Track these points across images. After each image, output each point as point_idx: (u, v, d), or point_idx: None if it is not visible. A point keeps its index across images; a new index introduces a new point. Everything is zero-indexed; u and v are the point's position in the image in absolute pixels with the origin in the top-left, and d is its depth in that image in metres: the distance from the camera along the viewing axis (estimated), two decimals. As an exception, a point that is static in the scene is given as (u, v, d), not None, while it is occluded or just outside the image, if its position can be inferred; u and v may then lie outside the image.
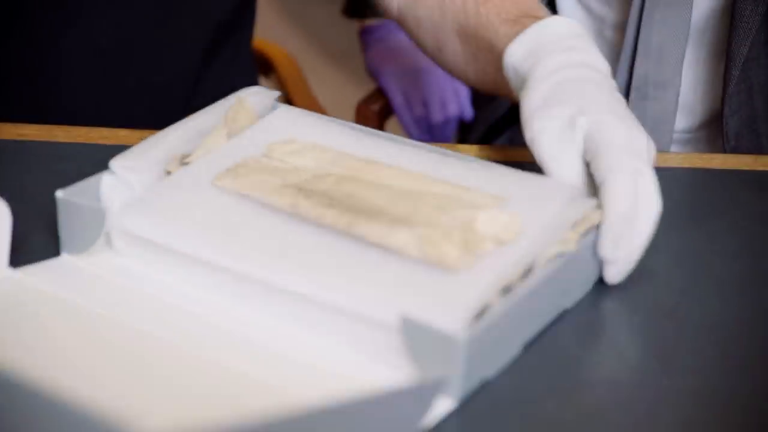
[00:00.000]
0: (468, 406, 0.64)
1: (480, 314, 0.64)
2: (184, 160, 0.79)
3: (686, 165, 0.96)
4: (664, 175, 0.94)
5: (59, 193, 0.73)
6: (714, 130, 1.09)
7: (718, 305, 0.74)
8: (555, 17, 0.83)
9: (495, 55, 0.86)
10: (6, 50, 1.05)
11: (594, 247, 0.72)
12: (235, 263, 0.69)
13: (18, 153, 0.89)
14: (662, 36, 1.04)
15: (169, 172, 0.78)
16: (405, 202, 0.72)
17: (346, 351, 0.66)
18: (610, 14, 1.09)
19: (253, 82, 1.25)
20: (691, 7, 1.03)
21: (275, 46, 1.49)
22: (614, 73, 1.09)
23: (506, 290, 0.67)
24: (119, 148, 0.78)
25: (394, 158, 0.78)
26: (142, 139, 0.79)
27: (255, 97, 0.85)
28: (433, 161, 0.78)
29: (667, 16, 1.03)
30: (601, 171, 0.73)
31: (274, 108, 0.85)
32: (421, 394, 0.61)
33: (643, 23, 1.04)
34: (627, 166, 0.73)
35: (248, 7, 1.19)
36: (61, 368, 0.62)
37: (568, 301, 0.72)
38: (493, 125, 1.19)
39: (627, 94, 1.07)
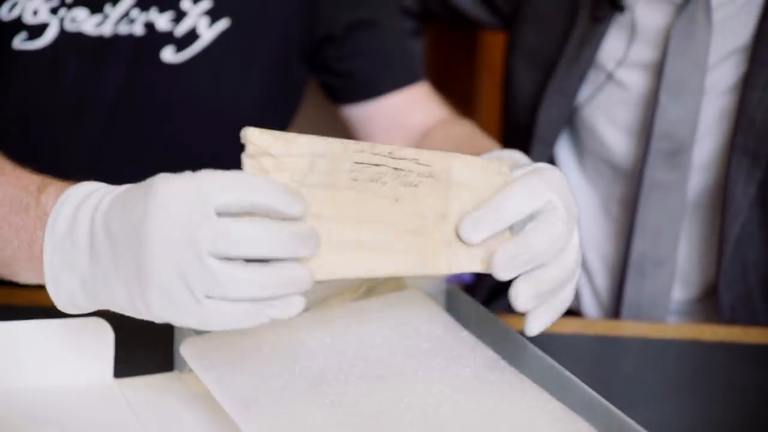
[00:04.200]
0: None
1: None
2: None
3: (678, 336, 1.00)
4: (656, 346, 0.96)
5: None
6: (711, 303, 1.11)
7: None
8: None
9: None
10: None
11: None
12: None
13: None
14: (659, 216, 1.07)
15: None
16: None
17: None
18: (615, 191, 1.12)
19: None
20: (687, 190, 1.06)
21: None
22: (615, 249, 1.12)
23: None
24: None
25: None
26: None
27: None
28: None
29: (663, 198, 1.06)
30: None
31: None
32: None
33: (641, 204, 1.07)
34: None
35: None
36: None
37: None
38: (496, 287, 1.18)
39: (624, 270, 1.09)
